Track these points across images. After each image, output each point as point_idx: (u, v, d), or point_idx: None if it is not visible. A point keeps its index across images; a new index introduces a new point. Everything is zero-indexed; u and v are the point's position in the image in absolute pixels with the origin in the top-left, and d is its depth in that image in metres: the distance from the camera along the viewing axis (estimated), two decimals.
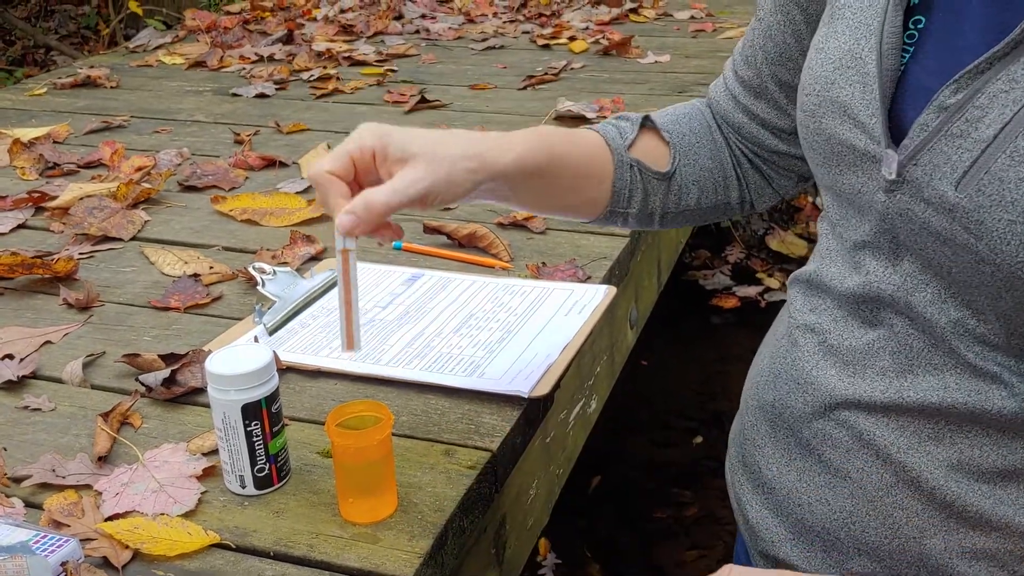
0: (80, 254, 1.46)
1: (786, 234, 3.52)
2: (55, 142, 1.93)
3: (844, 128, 0.76)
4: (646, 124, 0.99)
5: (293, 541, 0.88)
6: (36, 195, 1.63)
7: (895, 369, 0.75)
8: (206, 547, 0.89)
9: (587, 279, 1.33)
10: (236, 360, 0.92)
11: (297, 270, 1.35)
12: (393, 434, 1.00)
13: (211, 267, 1.39)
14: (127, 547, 0.88)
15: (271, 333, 1.20)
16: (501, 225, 1.48)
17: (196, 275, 1.37)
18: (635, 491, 2.59)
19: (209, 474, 0.98)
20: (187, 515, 0.92)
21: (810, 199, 3.62)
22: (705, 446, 2.66)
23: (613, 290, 1.26)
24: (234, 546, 0.88)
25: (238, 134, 1.94)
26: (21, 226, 1.56)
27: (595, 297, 1.24)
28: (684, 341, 3.14)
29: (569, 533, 2.35)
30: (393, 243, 1.44)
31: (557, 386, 1.10)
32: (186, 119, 2.12)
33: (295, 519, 0.91)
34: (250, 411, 0.91)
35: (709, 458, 2.62)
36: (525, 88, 2.25)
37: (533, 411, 1.08)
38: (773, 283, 3.35)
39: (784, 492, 0.83)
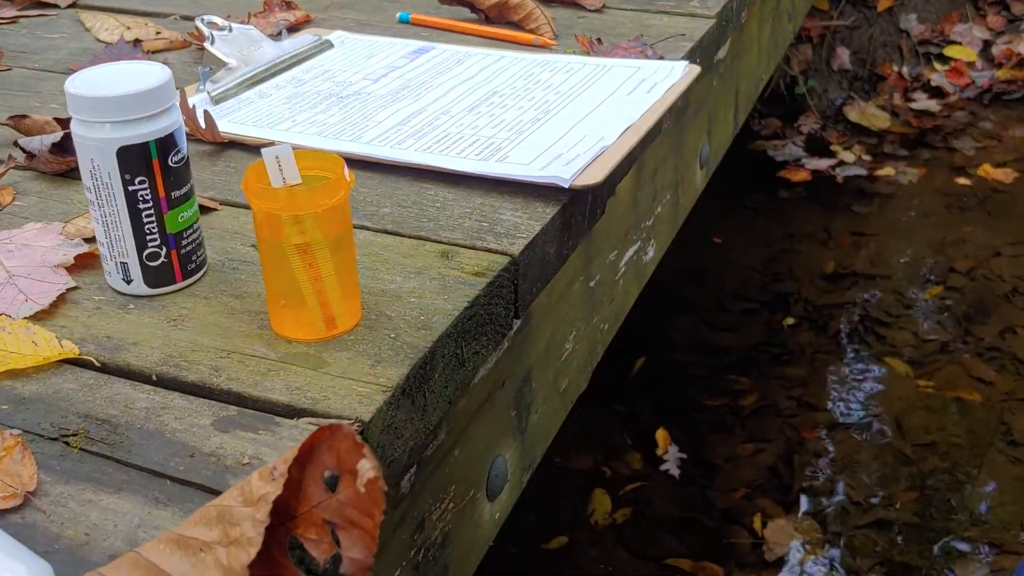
0: None
1: (867, 105, 3.11)
2: None
3: None
4: None
5: (190, 361, 0.56)
6: None
7: None
8: (54, 363, 0.57)
9: (659, 59, 0.98)
10: (112, 78, 0.59)
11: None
12: (366, 228, 0.67)
13: (158, 32, 1.06)
14: None
15: (217, 102, 0.87)
16: (544, 1, 1.12)
17: (137, 41, 1.04)
18: (684, 376, 2.25)
19: (86, 265, 0.65)
20: (38, 318, 0.60)
21: (894, 68, 3.21)
22: (766, 330, 2.32)
23: (696, 69, 0.91)
24: (99, 363, 0.57)
25: None
26: None
27: (670, 75, 0.89)
28: (747, 215, 2.77)
29: (608, 420, 2.03)
30: (398, 14, 1.10)
31: (613, 183, 0.76)
32: None
33: (200, 331, 0.59)
34: (132, 159, 0.58)
35: (770, 343, 2.28)
36: None
37: (576, 210, 0.75)
38: (848, 156, 2.96)
39: None
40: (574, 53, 0.98)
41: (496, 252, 0.66)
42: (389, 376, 0.54)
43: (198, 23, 0.94)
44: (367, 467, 0.35)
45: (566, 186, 0.70)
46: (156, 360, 0.56)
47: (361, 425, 0.51)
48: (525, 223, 0.69)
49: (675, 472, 1.84)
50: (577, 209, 0.74)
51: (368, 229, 0.69)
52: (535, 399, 0.83)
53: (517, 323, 0.71)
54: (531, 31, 1.02)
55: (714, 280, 2.47)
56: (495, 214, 0.70)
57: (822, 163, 2.89)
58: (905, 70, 3.14)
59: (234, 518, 0.38)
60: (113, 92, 0.57)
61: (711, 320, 2.32)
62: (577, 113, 0.82)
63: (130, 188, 0.58)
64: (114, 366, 0.56)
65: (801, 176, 2.84)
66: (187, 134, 0.82)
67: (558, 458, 1.86)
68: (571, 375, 0.94)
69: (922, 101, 3.11)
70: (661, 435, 1.91)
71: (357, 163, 0.77)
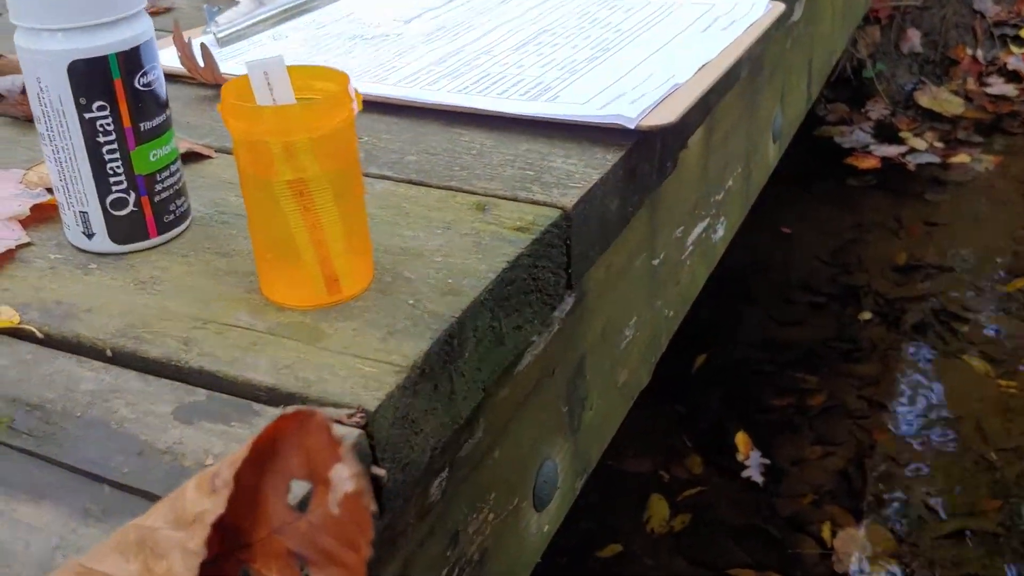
0: None
1: (939, 90, 2.94)
2: None
3: None
4: None
5: (156, 332, 0.44)
6: None
7: None
8: None
9: None
10: None
11: None
12: (387, 177, 0.55)
13: None
14: None
15: (223, 44, 0.75)
16: None
17: None
18: (747, 374, 2.11)
19: (46, 217, 0.54)
20: None
21: (968, 51, 3.03)
22: (835, 325, 2.17)
23: (779, 6, 0.77)
24: (41, 334, 0.45)
25: None
26: None
27: (751, 12, 0.76)
28: (812, 203, 2.62)
29: (666, 419, 1.90)
30: None
31: (687, 131, 0.64)
32: None
33: (173, 295, 0.47)
34: (88, 77, 0.46)
35: (839, 339, 2.14)
36: None
37: (643, 159, 0.62)
38: (919, 144, 2.80)
39: None
40: None
41: (544, 204, 0.53)
42: (405, 352, 0.42)
43: None
44: (344, 476, 0.23)
45: (632, 127, 0.57)
46: (113, 331, 0.44)
47: (365, 415, 0.38)
48: (580, 171, 0.56)
49: (759, 479, 1.69)
50: (644, 157, 0.61)
51: (389, 179, 0.57)
52: (590, 393, 0.71)
53: (570, 297, 0.58)
54: None
55: (779, 271, 2.33)
56: (543, 161, 0.58)
57: (891, 150, 2.74)
58: (979, 53, 2.96)
59: (159, 546, 0.26)
60: None
61: (776, 314, 2.18)
62: (642, 51, 0.69)
63: (86, 116, 0.46)
64: (60, 338, 0.44)
65: (869, 163, 2.69)
66: (183, 75, 0.71)
67: (611, 460, 1.73)
68: (631, 366, 0.81)
69: (998, 86, 2.93)
70: (742, 439, 1.76)
71: (380, 106, 0.65)
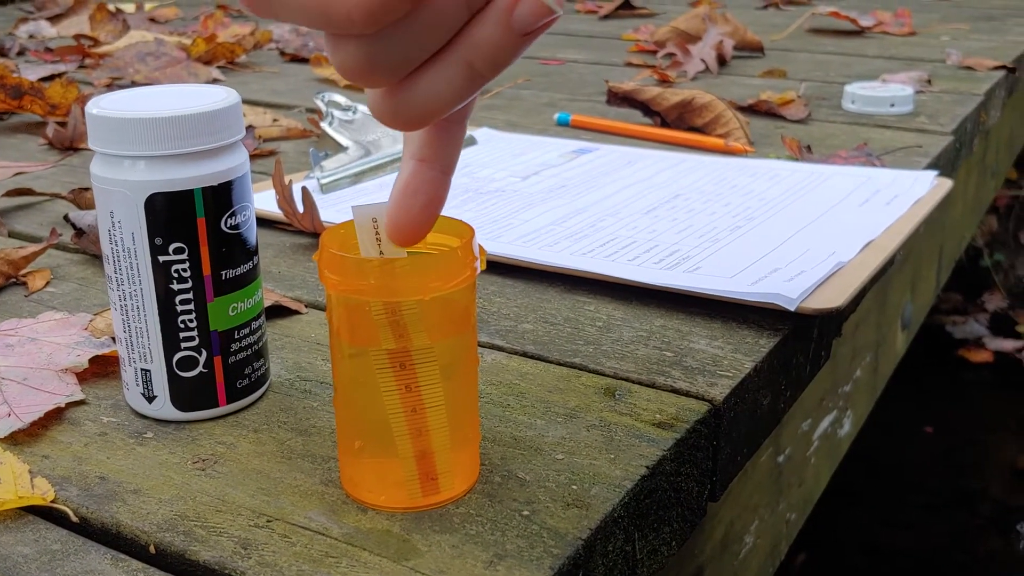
0: None
1: None
2: (151, 19, 1.51)
3: None
4: None
5: (211, 526, 0.35)
6: (88, 43, 1.19)
7: None
8: (13, 511, 0.37)
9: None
10: (154, 99, 0.41)
11: None
12: (498, 347, 0.47)
13: (275, 119, 0.90)
14: None
15: (326, 191, 0.69)
16: (736, 107, 0.93)
17: (250, 127, 0.88)
18: None
19: (106, 372, 0.46)
20: (16, 440, 0.41)
21: None
22: (953, 532, 2.00)
23: (947, 182, 0.69)
24: (76, 518, 0.36)
25: None
26: (52, 76, 1.12)
27: (915, 186, 0.67)
28: (923, 397, 2.48)
29: None
30: (557, 115, 0.92)
31: (856, 304, 0.55)
32: None
33: (236, 480, 0.38)
34: (167, 214, 0.39)
35: (955, 548, 1.96)
36: (767, 7, 1.70)
37: (798, 348, 0.52)
38: None
39: None
40: (780, 158, 0.77)
41: (687, 395, 0.44)
42: None
43: (317, 100, 0.77)
44: None
45: (792, 308, 0.49)
46: (160, 521, 0.36)
47: None
48: (729, 357, 0.47)
49: None
50: (799, 346, 0.52)
51: (500, 350, 0.48)
52: None
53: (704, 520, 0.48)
54: (720, 137, 0.82)
55: (888, 469, 2.17)
56: (683, 341, 0.49)
57: (1007, 344, 2.59)
58: None
59: None
60: (144, 113, 0.38)
61: (885, 516, 2.02)
62: (793, 223, 0.61)
63: (161, 258, 0.39)
64: (98, 524, 0.36)
65: (982, 357, 2.55)
66: (278, 220, 0.64)
67: None
68: None
69: None
70: None
71: (492, 265, 0.58)
